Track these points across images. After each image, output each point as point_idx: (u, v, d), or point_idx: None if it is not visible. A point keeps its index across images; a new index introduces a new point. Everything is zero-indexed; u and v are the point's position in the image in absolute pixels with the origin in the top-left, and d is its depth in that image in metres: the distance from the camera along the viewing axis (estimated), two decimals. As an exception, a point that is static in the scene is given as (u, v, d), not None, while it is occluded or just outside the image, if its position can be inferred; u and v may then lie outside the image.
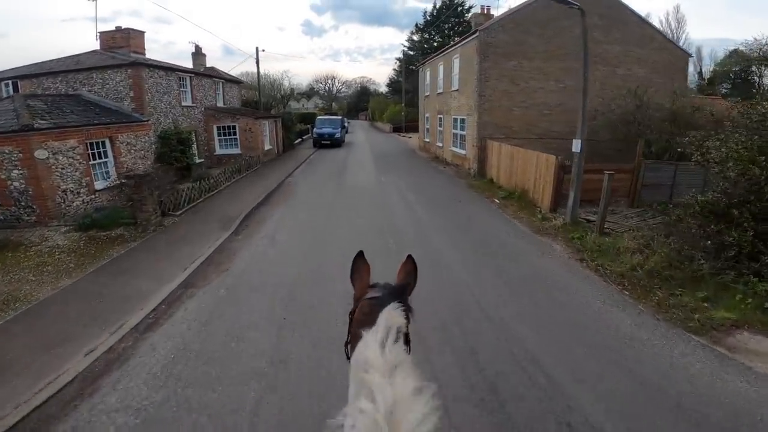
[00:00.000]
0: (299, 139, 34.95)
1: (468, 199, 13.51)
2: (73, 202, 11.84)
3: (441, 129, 22.30)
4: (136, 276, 7.86)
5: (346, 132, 37.59)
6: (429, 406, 1.05)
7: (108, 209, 11.50)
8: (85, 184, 12.24)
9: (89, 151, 12.58)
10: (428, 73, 25.26)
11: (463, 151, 18.53)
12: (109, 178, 13.25)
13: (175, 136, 16.57)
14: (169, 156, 16.30)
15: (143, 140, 15.22)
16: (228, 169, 17.10)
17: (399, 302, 1.45)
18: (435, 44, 55.64)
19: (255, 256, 8.95)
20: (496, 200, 13.09)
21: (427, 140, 26.19)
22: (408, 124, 48.59)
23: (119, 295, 6.98)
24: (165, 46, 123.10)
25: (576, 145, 9.54)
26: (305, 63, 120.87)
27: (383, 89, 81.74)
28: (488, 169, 16.15)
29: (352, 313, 1.68)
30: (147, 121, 15.35)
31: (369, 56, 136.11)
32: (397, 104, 53.09)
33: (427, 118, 25.87)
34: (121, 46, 18.47)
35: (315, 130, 32.55)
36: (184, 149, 17.14)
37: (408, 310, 1.55)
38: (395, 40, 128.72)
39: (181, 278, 7.77)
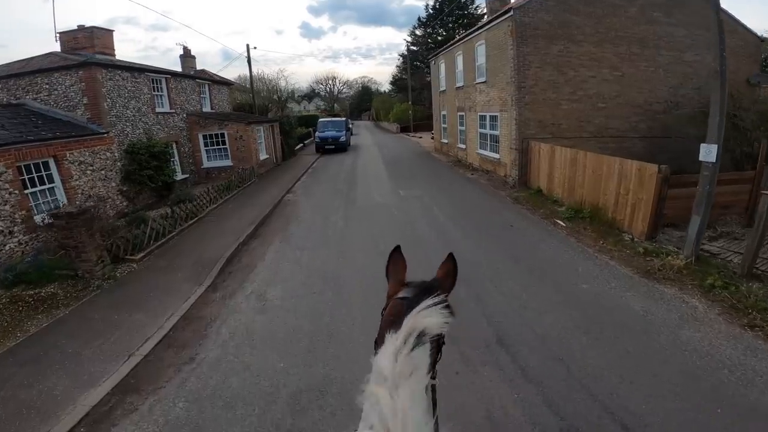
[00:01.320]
0: (300, 144, 31.94)
1: (520, 221, 10.37)
2: (4, 245, 8.87)
3: (463, 128, 19.16)
4: (41, 377, 5.01)
5: (351, 134, 34.52)
6: (425, 424, 1.03)
7: (43, 256, 8.53)
8: (20, 219, 9.25)
9: (24, 177, 9.61)
10: (443, 66, 22.13)
11: (495, 155, 15.38)
12: (59, 209, 10.27)
13: (146, 149, 13.56)
14: (139, 174, 13.32)
15: (103, 157, 12.23)
16: (213, 188, 14.06)
17: (432, 302, 1.31)
18: (440, 38, 52.58)
19: (235, 332, 6.01)
20: (560, 222, 9.95)
21: (445, 141, 23.05)
22: (416, 124, 45.53)
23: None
24: (164, 53, 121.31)
25: (708, 153, 6.36)
26: (305, 65, 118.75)
27: (385, 88, 79.45)
28: (534, 178, 13.01)
29: (384, 311, 1.56)
30: (106, 133, 12.34)
31: (368, 56, 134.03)
32: (403, 103, 49.97)
33: (444, 116, 22.73)
34: (84, 47, 15.69)
35: (317, 133, 29.51)
36: (160, 165, 14.13)
37: (446, 307, 1.36)
38: (394, 39, 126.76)
39: (114, 379, 4.99)
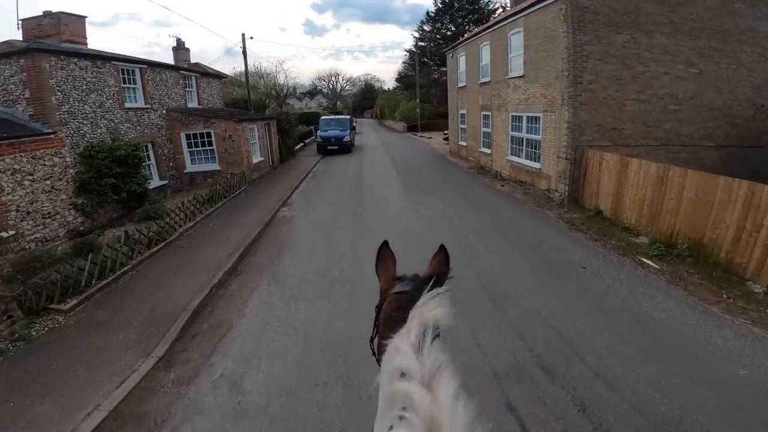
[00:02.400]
0: (301, 144, 29.33)
1: (591, 258, 7.75)
2: None
3: (488, 130, 16.53)
4: None
5: (355, 133, 31.86)
6: (474, 417, 0.91)
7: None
8: None
9: None
10: (462, 60, 19.49)
11: (534, 164, 12.76)
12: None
13: (107, 152, 10.96)
14: (98, 184, 10.73)
15: (48, 163, 9.66)
16: (192, 201, 11.45)
17: (436, 293, 1.21)
18: (449, 34, 49.99)
19: None
20: (648, 261, 7.36)
21: (463, 144, 20.41)
22: (424, 123, 42.91)
23: None
24: (167, 49, 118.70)
25: None
26: (308, 63, 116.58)
27: (389, 86, 77.23)
28: (590, 195, 10.41)
29: (378, 307, 1.56)
30: (53, 133, 9.75)
31: (371, 54, 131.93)
32: (410, 100, 47.31)
33: (463, 115, 20.09)
34: (49, 35, 13.32)
35: (319, 132, 26.89)
36: (126, 171, 11.55)
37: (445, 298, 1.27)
38: (397, 38, 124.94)
39: None
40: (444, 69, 53.34)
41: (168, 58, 22.34)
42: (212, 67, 28.19)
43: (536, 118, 12.27)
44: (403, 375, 1.02)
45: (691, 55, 10.59)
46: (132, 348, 5.55)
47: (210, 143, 15.47)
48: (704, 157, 11.02)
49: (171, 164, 15.30)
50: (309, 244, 9.39)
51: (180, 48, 25.05)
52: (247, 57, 22.67)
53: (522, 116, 13.23)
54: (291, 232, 10.39)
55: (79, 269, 7.02)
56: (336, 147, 25.74)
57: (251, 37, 25.69)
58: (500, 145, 15.24)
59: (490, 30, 15.65)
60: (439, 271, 1.45)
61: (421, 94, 44.35)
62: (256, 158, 17.48)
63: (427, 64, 50.68)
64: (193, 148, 15.59)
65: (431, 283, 1.29)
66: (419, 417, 0.91)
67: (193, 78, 17.69)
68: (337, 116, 31.67)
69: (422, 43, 50.89)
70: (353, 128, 29.67)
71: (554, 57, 10.88)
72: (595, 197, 10.20)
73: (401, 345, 1.09)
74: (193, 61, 26.76)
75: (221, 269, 7.94)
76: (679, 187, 7.59)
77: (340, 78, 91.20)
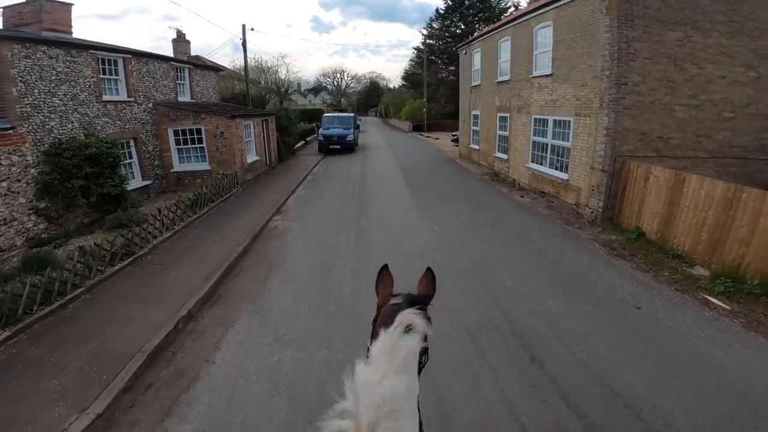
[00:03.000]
0: (302, 142, 27.95)
1: (643, 295, 6.35)
2: None
3: (504, 134, 15.11)
4: None
5: (359, 132, 30.44)
6: (400, 393, 1.07)
7: None
8: None
9: None
10: (477, 56, 18.05)
11: (560, 175, 11.34)
12: None
13: (76, 151, 9.61)
14: (64, 186, 9.38)
15: (5, 162, 8.34)
16: (172, 206, 10.07)
17: (417, 308, 1.53)
18: (458, 32, 48.50)
19: None
20: (714, 300, 5.98)
21: (475, 147, 18.98)
22: (430, 123, 41.47)
23: None
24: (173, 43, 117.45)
25: None
26: (313, 59, 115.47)
27: (394, 84, 75.94)
28: (630, 214, 9.00)
29: (374, 321, 1.72)
30: (11, 128, 8.41)
31: (377, 53, 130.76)
32: (416, 99, 45.85)
33: (476, 116, 18.65)
34: (30, 23, 12.28)
35: (321, 130, 25.52)
36: (100, 170, 10.20)
37: (426, 317, 1.55)
38: (404, 37, 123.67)
39: None
40: (452, 68, 51.98)
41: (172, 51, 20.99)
42: (215, 61, 26.85)
43: (566, 122, 10.84)
44: (369, 360, 1.22)
45: (751, 57, 9.15)
46: (65, 399, 4.29)
47: (200, 140, 14.10)
48: (755, 172, 9.63)
49: (156, 163, 13.93)
50: (302, 265, 7.99)
51: (180, 40, 23.89)
52: (248, 51, 21.28)
53: (547, 119, 11.81)
54: (282, 247, 9.00)
55: (14, 295, 5.67)
56: (338, 146, 24.38)
57: (252, 29, 24.41)
58: (519, 151, 13.81)
59: (511, 24, 14.21)
60: (427, 294, 1.83)
61: (429, 93, 42.88)
62: (251, 157, 16.09)
63: (435, 63, 49.21)
64: (182, 146, 14.21)
65: (418, 302, 1.66)
66: (351, 390, 1.07)
67: (186, 70, 16.32)
68: (340, 114, 30.26)
69: (430, 41, 49.43)
70: (357, 127, 28.29)
71: (592, 54, 9.45)
72: (637, 216, 8.79)
73: (381, 337, 1.32)
74: (194, 54, 25.56)
75: (194, 296, 6.58)
76: (754, 213, 6.17)
77: (345, 75, 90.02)
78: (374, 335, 1.52)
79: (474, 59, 18.48)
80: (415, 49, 58.46)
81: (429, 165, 19.69)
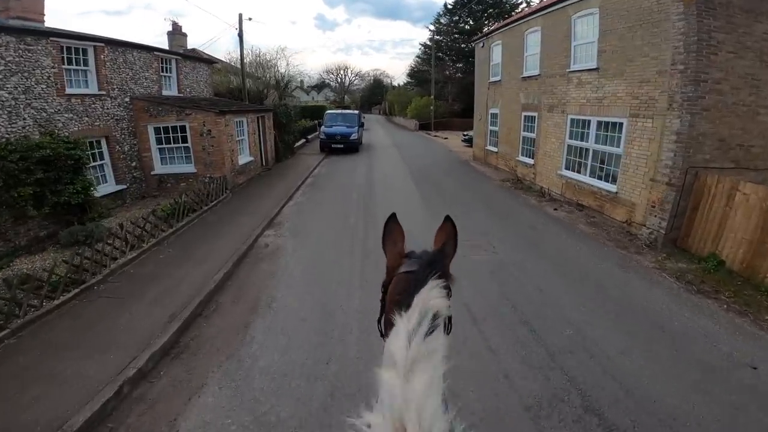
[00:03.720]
0: (303, 140, 26.22)
1: (752, 350, 4.63)
2: None
3: (531, 135, 13.34)
4: None
5: (363, 130, 28.64)
6: (442, 413, 0.96)
7: None
8: None
9: None
10: (497, 50, 16.24)
11: (608, 186, 9.56)
12: None
13: (26, 152, 7.88)
14: (10, 195, 7.67)
15: None
16: (139, 222, 8.34)
17: (439, 278, 1.24)
18: (467, 28, 46.68)
19: None
20: None
21: (493, 149, 17.18)
22: (437, 121, 39.68)
23: None
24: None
25: None
26: (317, 57, 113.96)
27: (399, 81, 74.36)
28: (706, 238, 7.24)
29: (385, 286, 1.46)
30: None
31: (380, 50, 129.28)
32: (423, 97, 44.03)
33: (494, 115, 16.85)
34: None
35: (323, 128, 23.76)
36: (57, 176, 8.49)
37: (448, 287, 1.33)
38: (408, 35, 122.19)
39: None
40: (460, 65, 50.20)
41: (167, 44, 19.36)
42: (215, 55, 25.08)
43: (616, 124, 9.05)
44: (392, 362, 1.03)
45: None
46: None
47: (184, 139, 12.35)
48: None
49: (134, 164, 12.19)
50: (296, 303, 6.24)
51: (176, 33, 22.52)
52: (248, 46, 19.48)
53: (589, 120, 10.02)
54: (272, 275, 7.26)
55: None
56: (341, 146, 22.63)
57: (249, 18, 22.55)
58: (550, 156, 12.03)
59: (542, 13, 12.38)
60: (444, 248, 1.52)
61: (436, 90, 41.03)
62: (244, 158, 14.34)
63: (442, 60, 47.30)
64: (164, 145, 12.47)
65: (438, 265, 1.35)
66: (392, 407, 0.94)
67: (173, 61, 14.56)
68: (344, 111, 28.43)
69: (438, 37, 47.51)
70: (362, 125, 26.51)
71: (657, 46, 7.67)
72: (713, 241, 7.03)
73: (400, 330, 1.09)
74: (191, 47, 23.86)
75: (150, 345, 4.90)
76: None
77: (349, 72, 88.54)
78: (388, 315, 1.27)
79: (493, 53, 16.67)
80: (421, 45, 56.64)
81: (441, 168, 17.90)
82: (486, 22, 45.58)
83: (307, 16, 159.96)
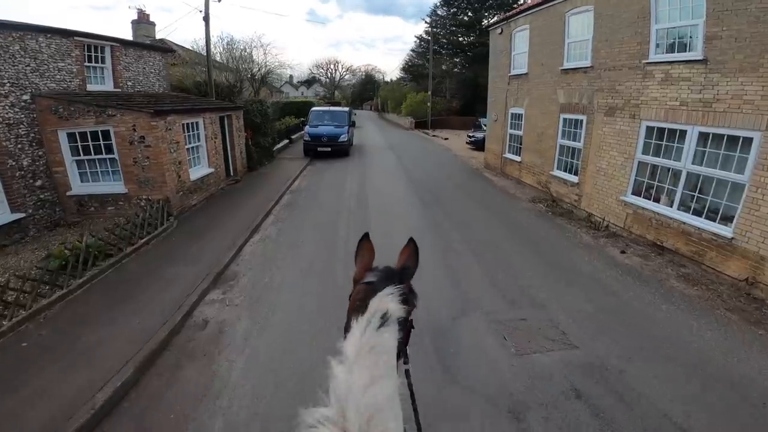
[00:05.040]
0: (286, 141, 22.88)
1: None
2: None
3: (577, 145, 10.23)
4: None
5: (354, 127, 25.23)
6: (386, 405, 1.00)
7: None
8: None
9: None
10: (523, 36, 13.10)
11: (718, 229, 6.47)
12: None
13: None
14: None
15: None
16: (19, 277, 5.06)
17: (395, 286, 1.36)
18: (465, 20, 43.44)
19: None
20: None
21: (513, 157, 14.05)
22: (434, 119, 36.51)
23: None
24: (168, 34, 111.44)
25: None
26: (307, 52, 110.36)
27: (391, 77, 71.64)
28: None
29: (350, 296, 1.59)
30: None
31: (372, 46, 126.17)
32: (419, 92, 40.82)
33: (517, 116, 13.73)
34: None
35: (307, 128, 20.38)
36: None
37: (407, 295, 1.44)
38: (400, 31, 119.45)
39: None
40: (457, 59, 47.00)
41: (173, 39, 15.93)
42: (170, 41, 21.53)
43: (737, 139, 5.97)
44: (341, 357, 1.08)
45: None
46: None
47: (110, 149, 9.01)
48: None
49: (40, 183, 8.83)
50: None
51: (142, 21, 19.51)
52: (207, 22, 15.98)
53: (684, 131, 6.93)
54: (201, 399, 4.06)
55: None
56: (329, 149, 19.35)
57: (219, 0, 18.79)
58: (607, 174, 8.94)
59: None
60: (406, 266, 1.64)
61: (433, 86, 37.79)
62: (199, 170, 11.02)
63: (439, 53, 44.00)
64: (82, 156, 9.12)
65: (396, 277, 1.47)
66: (337, 398, 0.98)
67: (107, 49, 11.13)
68: (332, 108, 24.95)
69: (435, 29, 44.20)
70: (353, 123, 23.19)
71: None
72: None
73: (354, 331, 1.17)
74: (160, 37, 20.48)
75: None
76: None
77: (340, 66, 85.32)
78: (348, 323, 1.36)
79: (515, 40, 13.52)
80: (417, 38, 53.44)
81: (449, 180, 14.73)
82: (486, 14, 42.48)
83: (300, 10, 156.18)
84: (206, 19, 16.46)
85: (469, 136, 23.37)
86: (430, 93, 36.36)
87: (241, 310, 5.96)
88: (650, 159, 7.78)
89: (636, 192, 8.21)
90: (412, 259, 1.69)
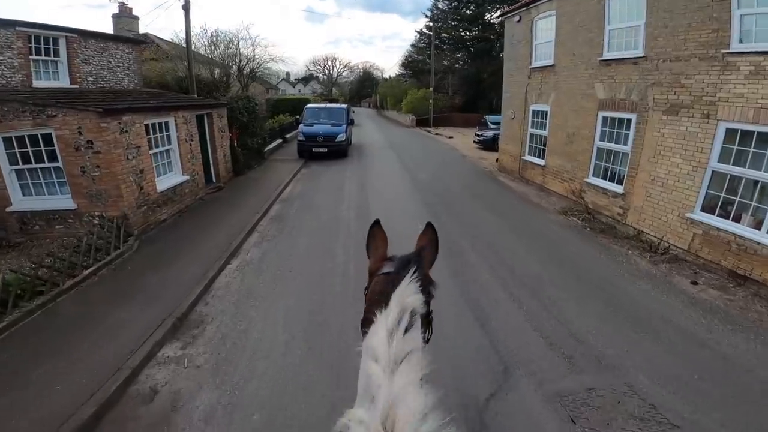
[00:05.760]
0: (279, 141, 21.18)
1: None
2: None
3: (623, 148, 8.55)
4: None
5: (353, 125, 23.35)
6: (428, 407, 0.94)
7: None
8: None
9: None
10: (548, 23, 11.42)
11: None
12: None
13: None
14: None
15: None
16: None
17: (414, 276, 1.27)
18: (468, 13, 41.66)
19: None
20: None
21: (536, 161, 12.38)
22: (436, 116, 34.80)
23: None
24: (159, 31, 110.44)
25: None
26: (305, 49, 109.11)
27: (389, 74, 69.92)
28: None
29: (367, 289, 1.54)
30: None
31: (369, 43, 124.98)
32: (420, 89, 39.09)
33: (541, 113, 12.05)
34: None
35: (301, 126, 18.59)
36: None
37: (427, 285, 1.42)
38: (397, 28, 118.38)
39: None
40: (459, 54, 45.19)
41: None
42: (154, 35, 19.75)
43: None
44: (374, 359, 1.04)
45: None
46: None
47: (54, 156, 7.31)
48: None
49: (-35, 198, 7.14)
50: None
51: (123, 15, 18.18)
52: (188, 11, 14.19)
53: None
54: None
55: None
56: (325, 149, 17.65)
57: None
58: (666, 185, 7.28)
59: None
60: (424, 251, 1.55)
61: (435, 81, 36.04)
62: (169, 179, 9.30)
63: (440, 48, 42.22)
64: (21, 165, 7.41)
65: (414, 265, 1.36)
66: (380, 403, 0.94)
67: (61, 41, 9.42)
68: (329, 105, 23.06)
69: (436, 23, 42.40)
70: (351, 122, 21.45)
71: None
72: None
73: (379, 327, 1.11)
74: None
75: None
76: None
77: (337, 63, 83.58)
78: (368, 316, 1.27)
79: (538, 28, 11.85)
80: (417, 32, 51.62)
81: (461, 186, 13.04)
82: (488, 7, 40.74)
83: (296, 7, 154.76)
84: (186, 8, 14.68)
85: (477, 135, 21.68)
86: (432, 89, 34.62)
87: (204, 375, 4.36)
88: (730, 168, 6.14)
89: (708, 208, 6.57)
90: (433, 245, 1.61)
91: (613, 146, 8.75)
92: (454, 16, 42.96)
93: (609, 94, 8.70)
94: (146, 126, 8.27)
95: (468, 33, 42.37)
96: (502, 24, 43.85)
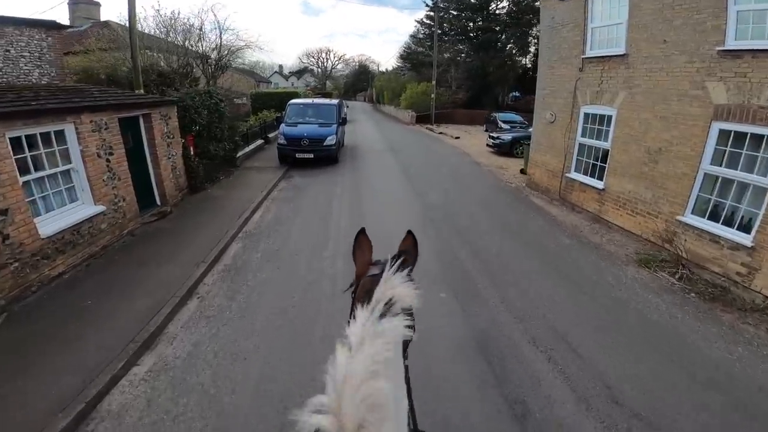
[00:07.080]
0: (260, 141, 18.07)
1: None
2: None
3: (746, 177, 5.61)
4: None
5: (345, 121, 19.98)
6: (369, 376, 0.95)
7: None
8: None
9: None
10: (600, 3, 8.39)
11: None
12: None
13: None
14: None
15: None
16: None
17: (397, 271, 1.36)
18: (473, 1, 38.45)
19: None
20: None
21: (588, 182, 9.34)
22: (438, 112, 31.75)
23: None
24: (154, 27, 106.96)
25: None
26: (299, 43, 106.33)
27: (386, 67, 66.95)
28: None
29: (354, 292, 1.59)
30: None
31: (365, 37, 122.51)
32: (420, 83, 35.97)
33: (599, 118, 9.00)
34: None
35: (283, 127, 15.31)
36: None
37: (410, 282, 1.42)
38: (393, 22, 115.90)
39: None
40: (462, 47, 41.87)
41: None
42: (115, 22, 16.39)
43: None
44: (348, 343, 1.05)
45: None
46: None
47: None
48: None
49: None
50: None
51: (80, 1, 15.29)
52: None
53: None
54: None
55: None
56: (311, 155, 14.54)
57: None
58: None
59: None
60: (405, 251, 1.62)
61: (437, 75, 32.86)
62: (68, 216, 6.16)
63: (441, 39, 39.01)
64: None
65: (397, 263, 1.41)
66: (335, 382, 0.95)
67: None
68: (316, 100, 19.39)
69: (438, 13, 39.14)
70: (343, 120, 18.25)
71: None
72: None
73: (359, 317, 1.14)
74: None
75: None
76: None
77: (332, 56, 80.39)
78: (353, 310, 1.39)
79: (594, 6, 8.81)
80: (417, 22, 48.33)
81: (484, 210, 10.00)
82: (494, -1, 37.66)
83: (293, 1, 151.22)
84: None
85: (492, 137, 18.60)
86: (434, 83, 31.49)
87: None
88: None
89: None
90: (413, 249, 1.68)
91: (735, 174, 5.79)
92: (457, 6, 39.84)
93: (737, 98, 5.71)
94: (14, 139, 5.14)
95: (472, 24, 39.31)
96: (509, 13, 40.19)
